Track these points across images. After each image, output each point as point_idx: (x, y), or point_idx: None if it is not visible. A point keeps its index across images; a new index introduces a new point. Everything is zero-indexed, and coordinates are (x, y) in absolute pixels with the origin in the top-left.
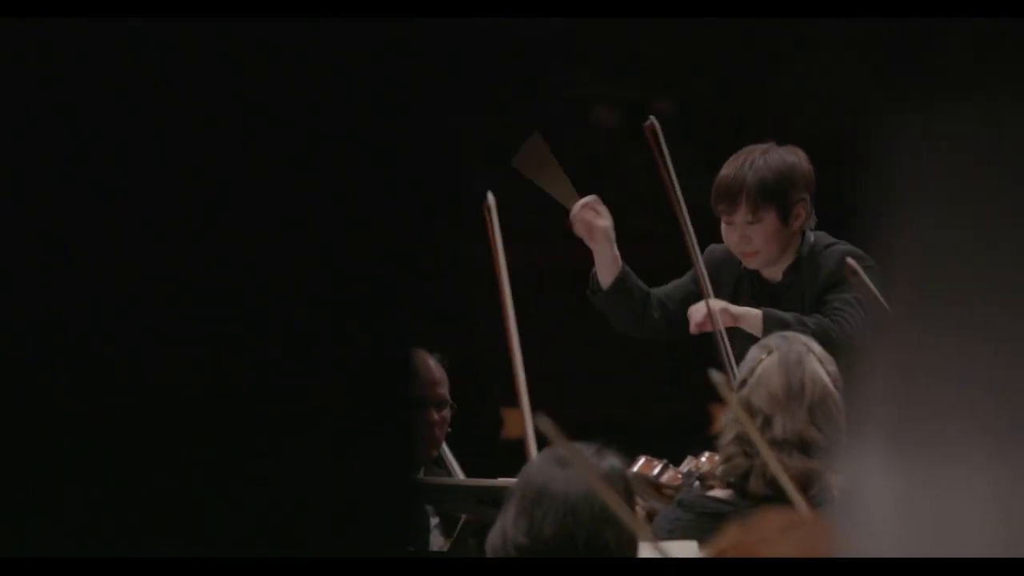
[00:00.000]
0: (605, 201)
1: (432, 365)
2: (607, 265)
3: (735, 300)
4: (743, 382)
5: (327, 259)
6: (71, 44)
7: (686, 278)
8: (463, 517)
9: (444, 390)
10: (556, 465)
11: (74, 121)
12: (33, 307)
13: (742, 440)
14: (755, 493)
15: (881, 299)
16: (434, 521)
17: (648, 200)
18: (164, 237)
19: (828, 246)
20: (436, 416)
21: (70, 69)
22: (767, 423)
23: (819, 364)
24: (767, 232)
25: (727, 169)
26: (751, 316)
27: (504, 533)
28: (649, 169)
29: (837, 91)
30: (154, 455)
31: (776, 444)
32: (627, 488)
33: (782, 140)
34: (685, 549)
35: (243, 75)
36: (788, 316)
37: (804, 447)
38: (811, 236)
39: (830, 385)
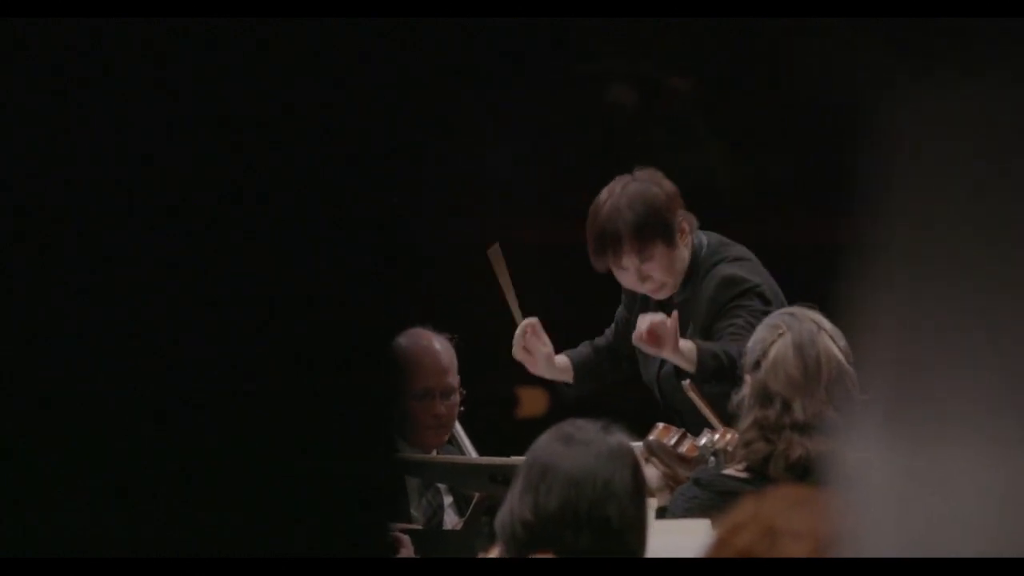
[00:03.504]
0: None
1: (440, 350)
2: (560, 376)
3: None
4: (757, 363)
5: (311, 244)
6: (53, 44)
7: (620, 309)
8: (476, 495)
9: (452, 378)
10: (562, 442)
11: (57, 119)
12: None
13: (762, 425)
14: (774, 477)
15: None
16: (448, 500)
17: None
18: (151, 232)
19: (714, 264)
20: (443, 407)
21: (59, 68)
22: (786, 407)
23: (831, 340)
24: (662, 265)
25: (594, 226)
26: (688, 350)
27: (511, 509)
28: (666, 146)
29: (849, 66)
30: (136, 446)
31: (797, 427)
32: (634, 464)
33: (795, 118)
34: (699, 528)
35: (224, 68)
36: (716, 348)
37: (824, 427)
38: (703, 244)
39: (844, 361)
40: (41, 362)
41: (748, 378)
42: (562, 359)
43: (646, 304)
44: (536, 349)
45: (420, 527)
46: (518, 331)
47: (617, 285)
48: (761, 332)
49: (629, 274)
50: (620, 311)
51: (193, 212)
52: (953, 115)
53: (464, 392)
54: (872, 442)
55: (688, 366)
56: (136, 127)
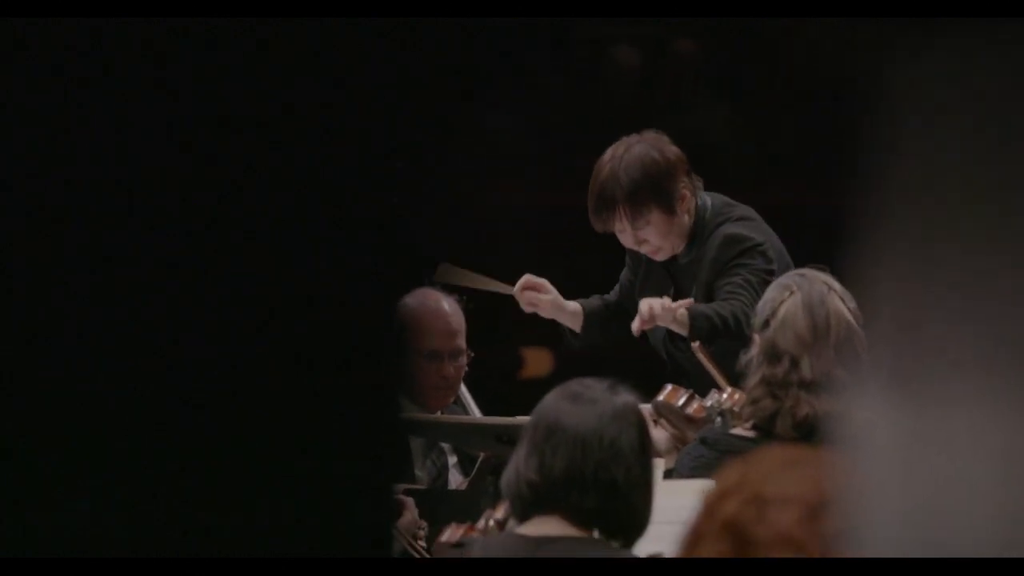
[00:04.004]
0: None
1: (449, 312)
2: (570, 320)
3: (648, 277)
4: (766, 322)
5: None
6: (53, 44)
7: (625, 272)
8: (481, 455)
9: (461, 340)
10: (568, 401)
11: (57, 119)
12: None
13: (769, 382)
14: (781, 435)
15: (720, 378)
16: (452, 460)
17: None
18: (149, 232)
19: (718, 224)
20: (451, 368)
21: (59, 68)
22: (794, 365)
23: (841, 301)
24: (660, 230)
25: (593, 187)
26: (680, 315)
27: (517, 470)
28: (669, 109)
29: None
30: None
31: (804, 386)
32: (640, 423)
33: (799, 80)
34: (705, 487)
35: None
36: (707, 309)
37: (832, 387)
38: (707, 206)
39: (853, 322)
40: (41, 362)
41: (757, 337)
42: (573, 304)
43: (651, 267)
44: (539, 300)
45: (425, 487)
46: (516, 294)
47: (619, 248)
48: (771, 292)
49: (626, 236)
50: (625, 273)
51: (193, 212)
52: (959, 79)
53: (472, 354)
54: (876, 402)
55: (682, 329)
56: (136, 127)
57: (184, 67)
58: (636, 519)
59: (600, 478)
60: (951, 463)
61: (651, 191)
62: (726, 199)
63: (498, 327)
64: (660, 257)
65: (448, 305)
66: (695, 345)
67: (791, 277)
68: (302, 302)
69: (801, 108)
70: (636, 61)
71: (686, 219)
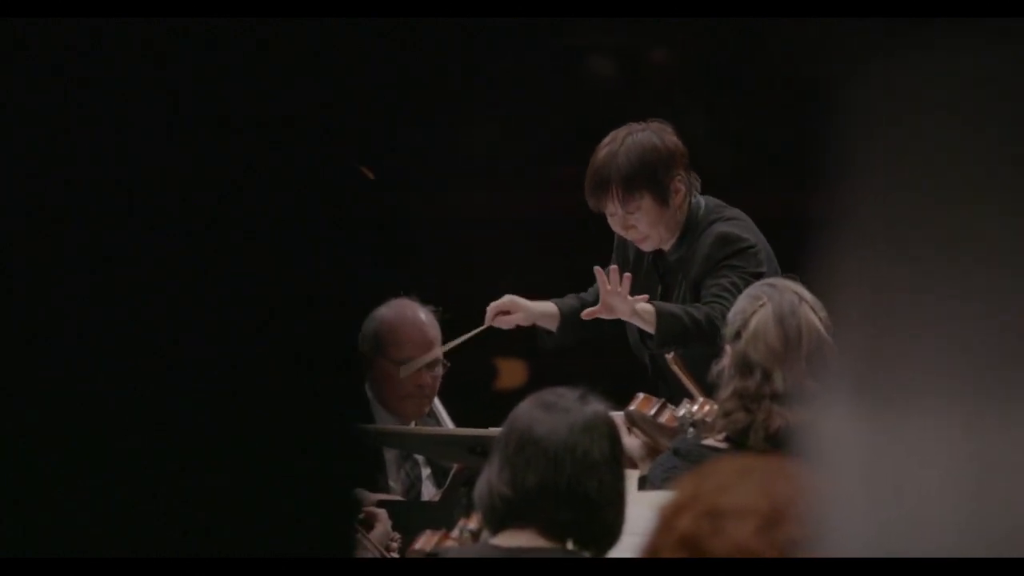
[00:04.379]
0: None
1: (425, 322)
2: (546, 322)
3: (636, 273)
4: (737, 334)
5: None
6: (53, 44)
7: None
8: (454, 467)
9: (436, 349)
10: (539, 412)
11: (57, 119)
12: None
13: (741, 395)
14: (754, 447)
15: (693, 388)
16: (425, 472)
17: None
18: (152, 232)
19: (711, 223)
20: (427, 377)
21: (59, 68)
22: (766, 377)
23: (812, 311)
24: (649, 218)
25: (592, 165)
26: (646, 312)
27: (489, 483)
28: (653, 113)
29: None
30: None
31: (777, 398)
32: (612, 433)
33: (774, 85)
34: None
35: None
36: (677, 309)
37: (802, 398)
38: (701, 205)
39: (824, 332)
40: (41, 362)
41: (728, 348)
42: (548, 305)
43: (638, 266)
44: (512, 320)
45: (398, 498)
46: (488, 316)
47: (600, 250)
48: (742, 303)
49: (616, 220)
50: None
51: (193, 212)
52: (930, 82)
53: (448, 364)
54: (843, 410)
55: (648, 327)
56: (136, 127)
57: (184, 67)
58: (609, 530)
59: (574, 491)
60: (918, 470)
61: (646, 176)
62: (719, 201)
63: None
64: (647, 247)
65: (424, 315)
66: (670, 357)
67: (761, 288)
68: (288, 304)
69: (768, 115)
70: (613, 69)
71: (677, 213)
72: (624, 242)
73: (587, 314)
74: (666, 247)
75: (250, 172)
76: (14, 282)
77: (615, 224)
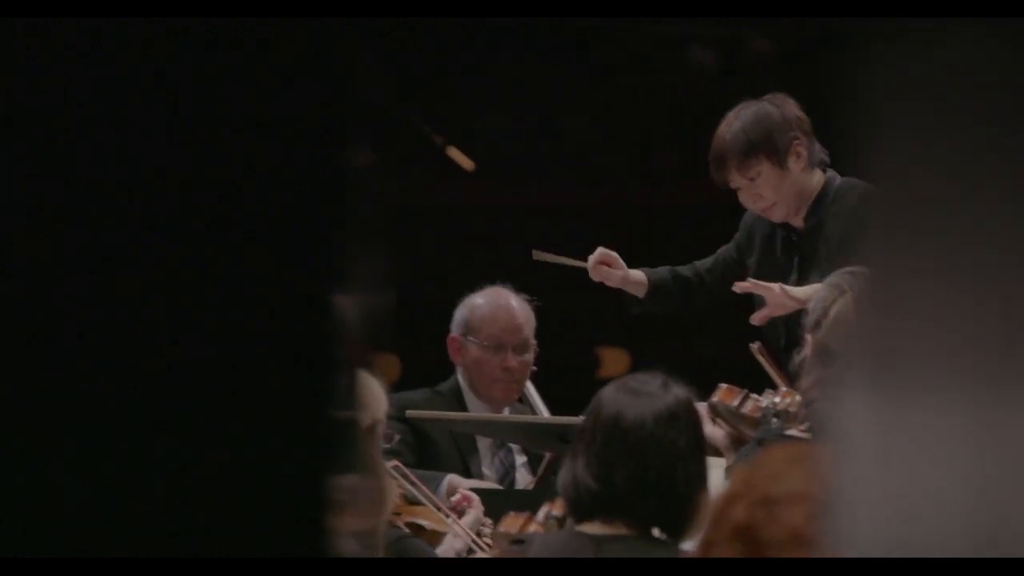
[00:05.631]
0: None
1: (516, 307)
2: (635, 288)
3: (768, 255)
4: (817, 323)
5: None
6: (53, 44)
7: (728, 248)
8: (547, 455)
9: (527, 334)
10: (623, 401)
11: (57, 119)
12: None
13: (823, 384)
14: None
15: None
16: (520, 460)
17: None
18: (152, 232)
19: (852, 187)
20: (514, 361)
21: (59, 68)
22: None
23: None
24: (772, 184)
25: (714, 141)
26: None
27: (575, 475)
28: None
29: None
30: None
31: None
32: (695, 420)
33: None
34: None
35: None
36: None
37: None
38: (836, 178)
39: None
40: (41, 362)
41: (809, 337)
42: (638, 273)
43: (771, 242)
44: (610, 275)
45: (493, 486)
46: (590, 267)
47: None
48: (823, 291)
49: (743, 193)
50: (727, 249)
51: (193, 212)
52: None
53: (538, 349)
54: (853, 398)
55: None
56: (136, 127)
57: (184, 67)
58: (694, 518)
59: (661, 483)
60: (927, 466)
61: (761, 142)
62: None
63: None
64: (776, 217)
65: (515, 301)
66: (754, 347)
67: (841, 275)
68: (301, 302)
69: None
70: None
71: (802, 179)
72: (751, 229)
73: (758, 319)
74: (798, 218)
75: (250, 172)
76: (14, 282)
77: (744, 198)
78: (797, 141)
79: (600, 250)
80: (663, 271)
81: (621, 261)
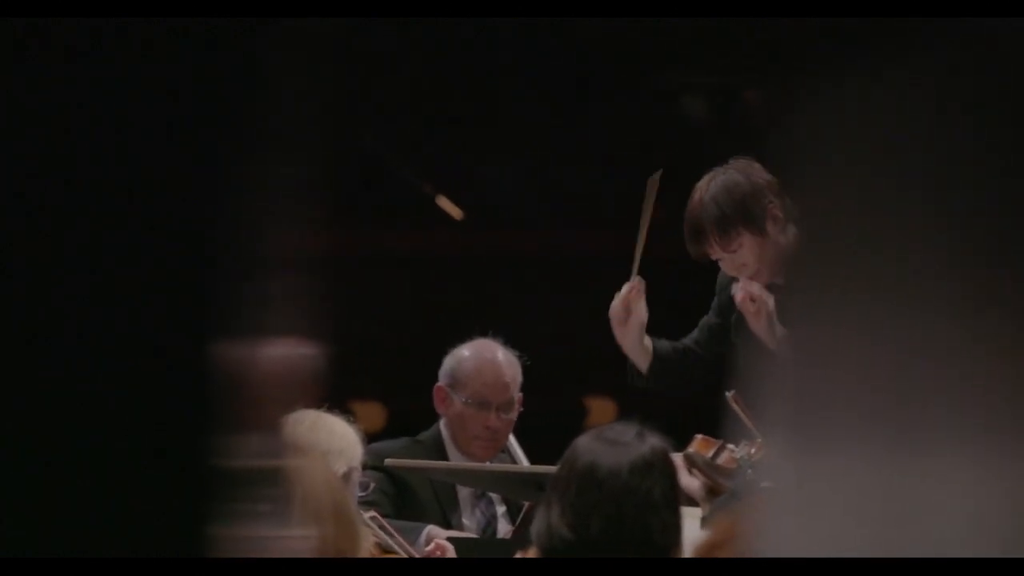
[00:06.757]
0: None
1: (503, 363)
2: (639, 355)
3: (744, 319)
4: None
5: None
6: (53, 44)
7: (709, 315)
8: (526, 504)
9: (513, 392)
10: (598, 450)
11: (57, 118)
12: None
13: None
14: None
15: (753, 428)
16: (500, 509)
17: None
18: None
19: None
20: (497, 420)
21: (59, 68)
22: None
23: None
24: (754, 252)
25: (686, 217)
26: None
27: (549, 524)
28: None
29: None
30: None
31: None
32: (670, 471)
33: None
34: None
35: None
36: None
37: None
38: None
39: None
40: (41, 362)
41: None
42: (647, 339)
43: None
44: (636, 310)
45: (472, 536)
46: (626, 287)
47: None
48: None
49: (725, 262)
50: (709, 318)
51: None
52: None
53: (522, 408)
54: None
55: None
56: (136, 127)
57: (184, 67)
58: None
59: (636, 533)
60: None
61: (737, 214)
62: None
63: (554, 377)
64: (762, 281)
65: (503, 356)
66: (729, 395)
67: None
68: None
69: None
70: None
71: (782, 240)
72: (726, 289)
73: (740, 300)
74: (781, 278)
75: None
76: (14, 282)
77: (726, 267)
78: (772, 204)
79: (634, 285)
80: (665, 343)
81: (643, 308)
